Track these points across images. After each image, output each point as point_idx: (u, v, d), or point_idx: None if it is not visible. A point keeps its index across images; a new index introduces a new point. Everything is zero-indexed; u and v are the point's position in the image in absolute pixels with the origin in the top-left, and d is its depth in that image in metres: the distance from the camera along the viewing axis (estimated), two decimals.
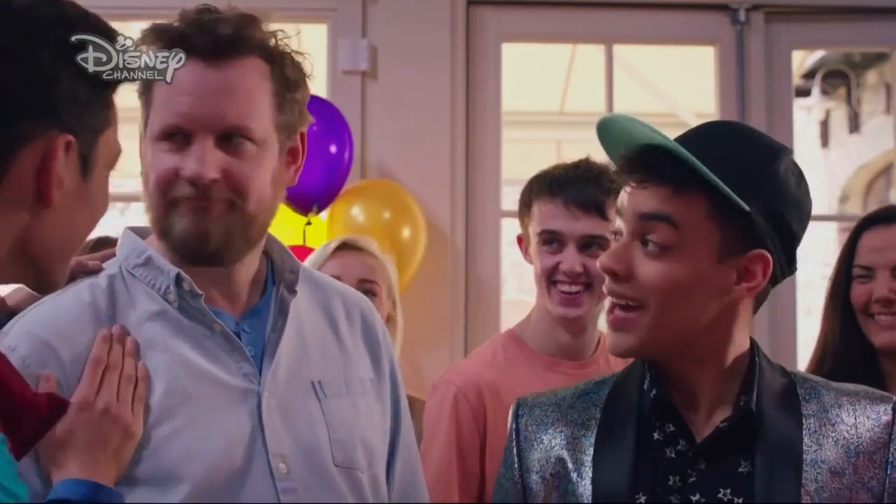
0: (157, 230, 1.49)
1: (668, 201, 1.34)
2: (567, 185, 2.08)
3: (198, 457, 1.39)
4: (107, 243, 2.66)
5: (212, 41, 1.42)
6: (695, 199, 1.34)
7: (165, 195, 1.45)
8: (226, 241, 1.46)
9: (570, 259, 2.07)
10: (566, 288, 2.08)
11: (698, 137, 1.39)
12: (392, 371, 1.66)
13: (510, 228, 3.62)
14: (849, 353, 2.12)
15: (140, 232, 1.55)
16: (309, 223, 3.26)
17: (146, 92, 1.46)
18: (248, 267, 1.53)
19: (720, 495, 1.36)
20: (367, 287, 2.48)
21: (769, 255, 1.36)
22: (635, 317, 1.37)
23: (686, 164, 1.32)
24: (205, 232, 1.45)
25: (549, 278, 2.09)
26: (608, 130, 1.40)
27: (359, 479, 1.51)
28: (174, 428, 1.40)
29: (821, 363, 2.16)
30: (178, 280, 1.46)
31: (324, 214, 3.35)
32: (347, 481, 1.49)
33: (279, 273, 1.56)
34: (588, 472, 1.40)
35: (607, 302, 1.41)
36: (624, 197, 1.39)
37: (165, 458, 1.38)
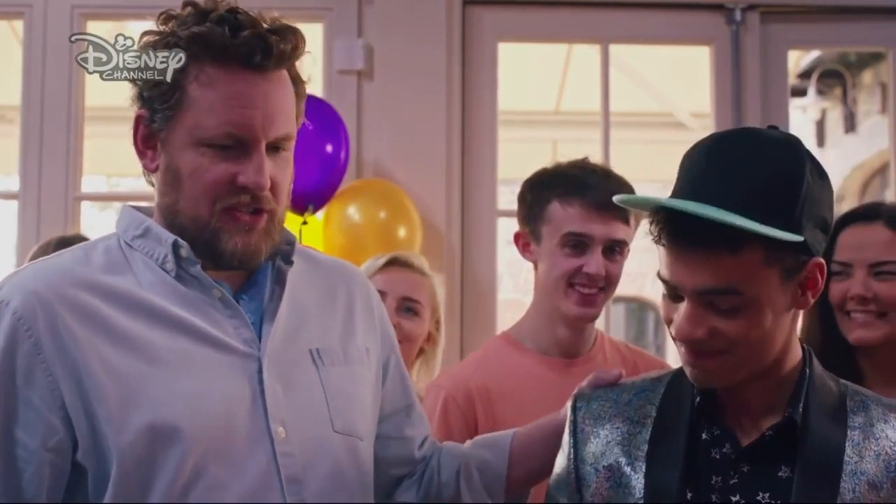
0: (195, 232, 1.48)
1: (724, 268, 1.33)
2: (594, 188, 2.04)
3: (199, 413, 1.41)
4: (70, 242, 2.65)
5: (263, 55, 1.44)
6: (750, 253, 1.33)
7: (216, 202, 1.46)
8: (267, 253, 1.51)
9: (596, 263, 2.03)
10: (585, 290, 2.05)
11: (717, 174, 1.36)
12: (383, 326, 1.69)
13: (506, 228, 3.62)
14: (827, 350, 2.12)
15: (143, 211, 1.56)
16: (305, 223, 3.26)
17: (172, 92, 1.45)
18: None
19: (759, 498, 1.40)
20: (410, 305, 2.47)
21: (822, 260, 1.40)
22: (720, 360, 1.39)
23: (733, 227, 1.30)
24: (256, 250, 1.49)
25: (569, 280, 2.06)
26: (634, 203, 1.44)
27: (357, 447, 1.54)
28: (177, 383, 1.42)
29: None
30: (176, 247, 1.48)
31: (320, 214, 3.35)
32: (347, 449, 1.52)
33: (276, 245, 1.57)
34: (642, 468, 1.45)
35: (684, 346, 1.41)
36: (671, 265, 1.36)
37: (167, 410, 1.40)
